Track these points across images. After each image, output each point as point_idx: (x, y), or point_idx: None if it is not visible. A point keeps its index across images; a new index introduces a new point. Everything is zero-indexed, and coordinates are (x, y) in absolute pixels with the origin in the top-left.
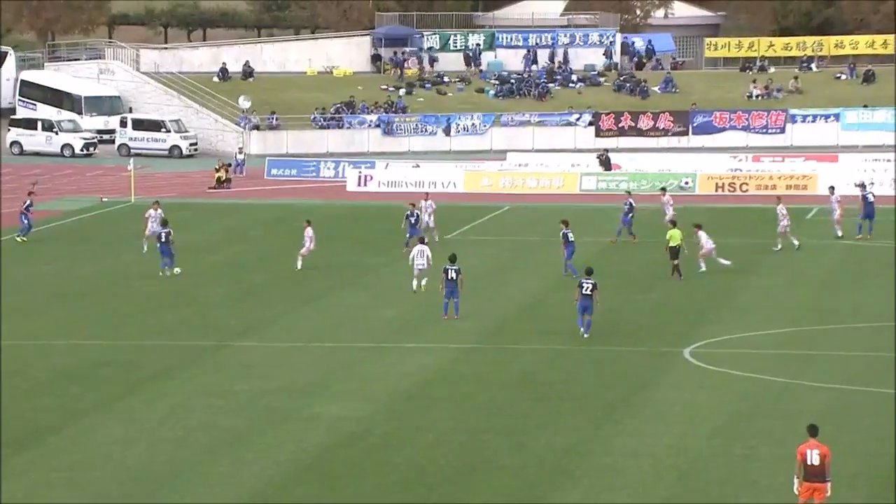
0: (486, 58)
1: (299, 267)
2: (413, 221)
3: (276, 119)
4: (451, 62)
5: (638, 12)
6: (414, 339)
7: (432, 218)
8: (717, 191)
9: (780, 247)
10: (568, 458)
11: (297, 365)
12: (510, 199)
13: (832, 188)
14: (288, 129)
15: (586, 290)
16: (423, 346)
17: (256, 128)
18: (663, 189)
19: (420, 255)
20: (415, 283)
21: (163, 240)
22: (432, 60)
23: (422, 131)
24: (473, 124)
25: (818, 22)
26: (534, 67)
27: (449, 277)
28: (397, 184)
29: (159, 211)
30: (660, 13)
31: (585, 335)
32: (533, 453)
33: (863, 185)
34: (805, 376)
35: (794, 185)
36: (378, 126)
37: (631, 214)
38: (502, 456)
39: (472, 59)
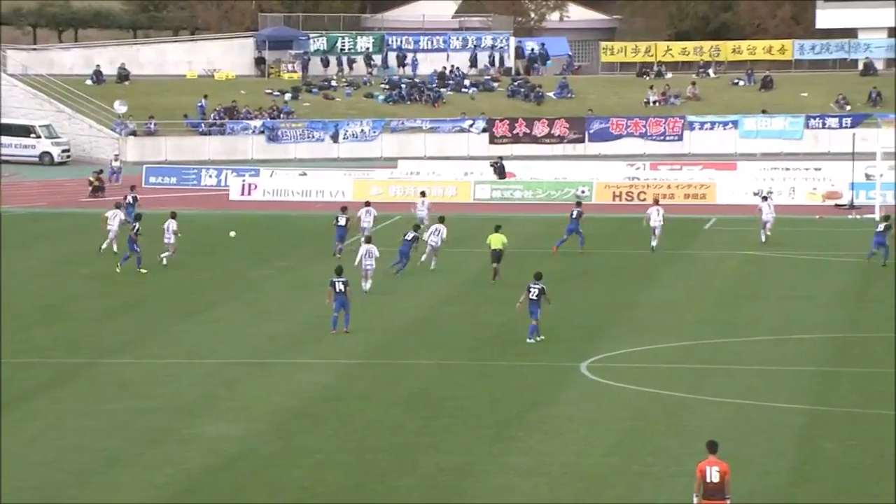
0: (376, 61)
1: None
2: (342, 225)
3: (155, 124)
4: (336, 66)
5: (532, 15)
6: (300, 355)
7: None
8: (614, 200)
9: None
10: (460, 478)
11: (176, 383)
12: (401, 209)
13: (765, 197)
14: (167, 135)
15: (533, 295)
16: (310, 363)
17: (133, 133)
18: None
19: (368, 256)
20: (363, 283)
21: (131, 233)
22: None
23: (308, 137)
24: (362, 130)
25: (715, 27)
26: (424, 71)
27: (337, 290)
28: (283, 192)
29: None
30: (555, 16)
31: (529, 340)
32: (424, 473)
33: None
34: (702, 391)
35: (693, 195)
36: (262, 132)
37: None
38: (392, 476)
39: (373, 61)
